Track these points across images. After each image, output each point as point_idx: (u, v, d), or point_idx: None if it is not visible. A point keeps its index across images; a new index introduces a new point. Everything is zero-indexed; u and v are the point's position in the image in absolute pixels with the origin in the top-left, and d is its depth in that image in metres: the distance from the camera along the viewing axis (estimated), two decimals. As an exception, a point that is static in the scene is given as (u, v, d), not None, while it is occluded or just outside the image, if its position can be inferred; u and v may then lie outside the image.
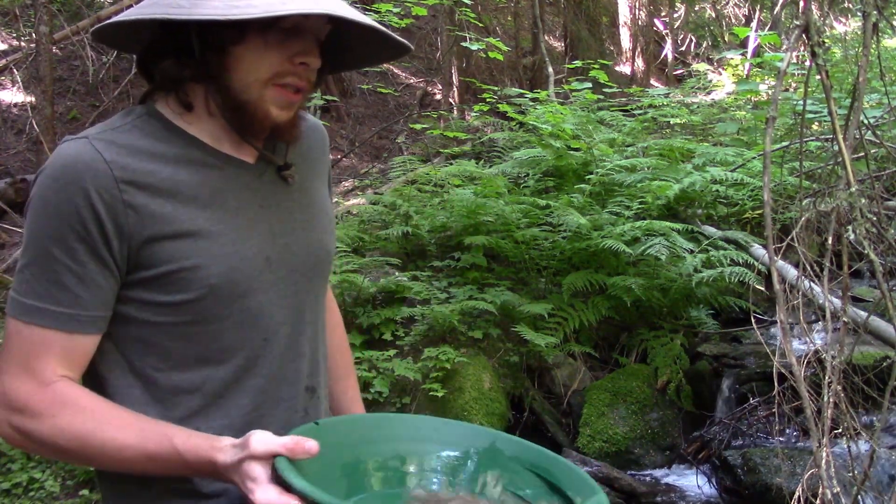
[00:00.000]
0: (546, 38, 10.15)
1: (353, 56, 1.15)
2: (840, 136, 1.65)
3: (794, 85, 6.74)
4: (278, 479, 0.83)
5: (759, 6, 12.15)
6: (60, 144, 0.97)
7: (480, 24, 8.14)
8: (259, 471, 0.85)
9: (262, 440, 0.86)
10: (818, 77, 1.63)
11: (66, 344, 0.95)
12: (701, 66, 10.68)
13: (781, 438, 3.36)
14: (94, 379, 1.03)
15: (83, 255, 0.94)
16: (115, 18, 0.98)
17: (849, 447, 1.81)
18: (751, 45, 9.01)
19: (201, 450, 0.90)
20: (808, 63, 1.68)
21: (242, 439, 0.88)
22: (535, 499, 0.98)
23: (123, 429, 0.93)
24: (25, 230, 0.97)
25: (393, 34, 1.04)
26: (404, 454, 1.02)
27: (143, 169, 0.97)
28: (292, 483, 0.80)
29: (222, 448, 0.89)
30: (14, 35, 7.90)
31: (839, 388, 1.65)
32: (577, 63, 7.24)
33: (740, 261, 3.78)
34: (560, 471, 0.98)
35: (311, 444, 0.86)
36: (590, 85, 6.26)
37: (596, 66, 6.47)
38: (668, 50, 12.40)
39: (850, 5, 11.55)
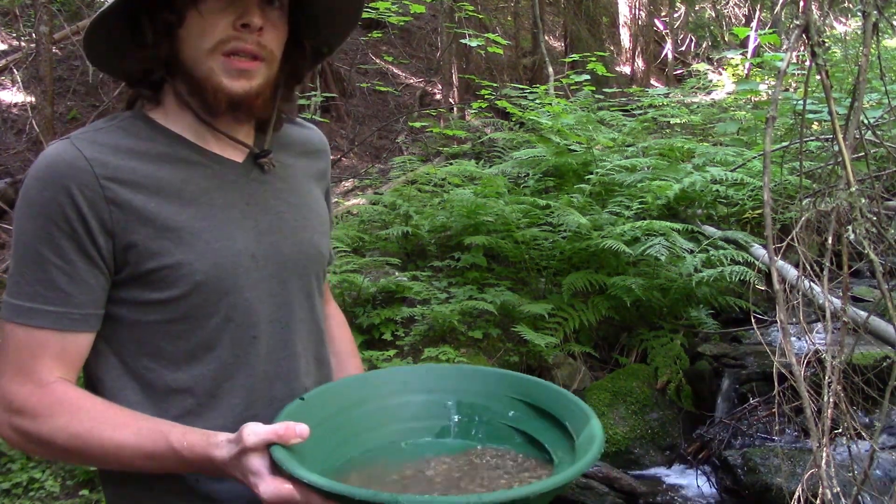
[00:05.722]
0: (546, 37, 10.14)
1: (326, 25, 1.14)
2: (840, 136, 1.65)
3: (794, 85, 6.74)
4: (278, 468, 0.84)
5: (759, 6, 12.15)
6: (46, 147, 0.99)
7: (480, 17, 8.14)
8: (258, 463, 0.85)
9: (252, 432, 0.86)
10: (818, 77, 1.63)
11: (60, 343, 0.96)
12: (701, 66, 10.68)
13: (781, 438, 3.36)
14: (90, 381, 1.04)
15: (71, 253, 0.95)
16: (84, 31, 1.00)
17: (849, 447, 1.81)
18: (751, 45, 9.02)
19: (197, 447, 0.90)
20: (808, 63, 1.68)
21: (236, 433, 0.88)
22: (517, 422, 1.02)
23: (121, 428, 0.93)
24: (13, 232, 0.98)
25: None
26: (393, 409, 1.05)
27: (124, 166, 0.98)
28: (294, 473, 0.80)
29: (219, 444, 0.90)
30: (14, 35, 7.90)
31: (839, 388, 1.65)
32: (575, 56, 7.25)
33: (740, 260, 3.78)
34: (550, 397, 1.02)
35: (302, 428, 0.86)
36: (588, 77, 6.27)
37: (594, 60, 6.48)
38: (668, 50, 12.40)
39: (850, 5, 11.55)
